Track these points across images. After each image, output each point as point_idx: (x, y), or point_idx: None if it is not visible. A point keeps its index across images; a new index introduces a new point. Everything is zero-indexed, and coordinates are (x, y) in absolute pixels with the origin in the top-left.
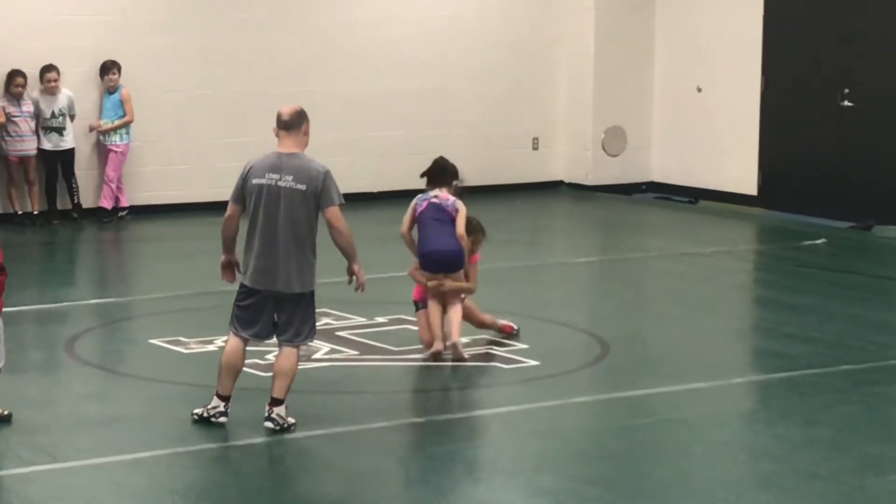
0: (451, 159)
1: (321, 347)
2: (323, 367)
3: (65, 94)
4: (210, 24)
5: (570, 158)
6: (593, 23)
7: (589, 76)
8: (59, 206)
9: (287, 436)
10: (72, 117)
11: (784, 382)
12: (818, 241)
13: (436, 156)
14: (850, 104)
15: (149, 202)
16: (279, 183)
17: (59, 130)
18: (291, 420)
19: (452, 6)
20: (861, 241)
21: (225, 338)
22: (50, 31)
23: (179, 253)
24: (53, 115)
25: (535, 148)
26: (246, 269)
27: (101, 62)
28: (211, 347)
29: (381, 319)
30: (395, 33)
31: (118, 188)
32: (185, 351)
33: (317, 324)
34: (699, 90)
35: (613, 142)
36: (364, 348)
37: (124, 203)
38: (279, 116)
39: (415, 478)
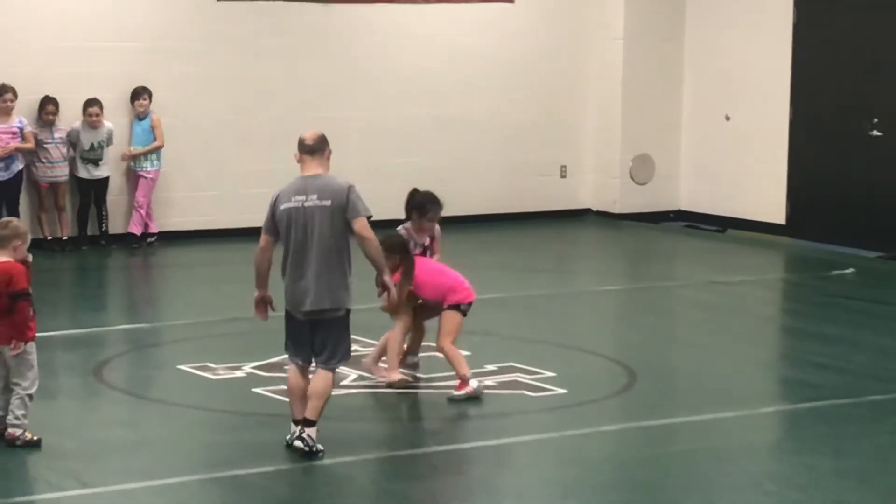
0: (479, 186)
1: (349, 374)
2: (351, 393)
3: (106, 127)
4: (239, 51)
5: (598, 186)
6: (622, 51)
7: (617, 104)
8: (89, 233)
9: (315, 462)
10: (109, 143)
11: (812, 412)
12: (847, 271)
13: (462, 183)
14: (878, 133)
15: (178, 228)
16: (305, 204)
17: (97, 162)
18: (320, 446)
19: (480, 33)
20: (890, 270)
21: (253, 364)
22: (80, 58)
23: (208, 279)
24: (93, 148)
25: (563, 176)
26: (285, 294)
27: (132, 88)
28: (238, 374)
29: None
30: (422, 61)
31: (147, 214)
32: (213, 377)
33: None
34: (728, 119)
35: (641, 170)
36: None
37: (153, 229)
38: (302, 142)
39: None
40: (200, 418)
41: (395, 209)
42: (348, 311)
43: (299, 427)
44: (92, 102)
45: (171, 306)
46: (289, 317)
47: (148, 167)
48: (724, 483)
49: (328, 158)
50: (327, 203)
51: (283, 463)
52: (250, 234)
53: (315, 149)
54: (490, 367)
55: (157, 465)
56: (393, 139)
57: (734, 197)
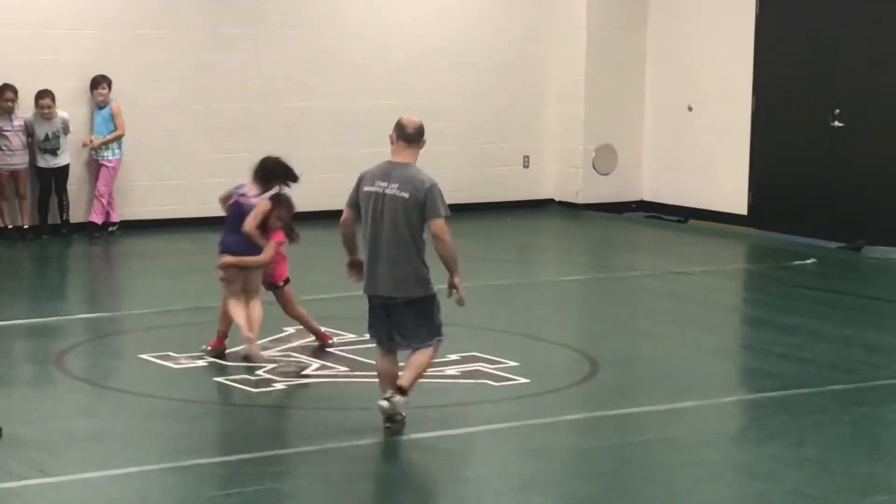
0: (443, 176)
1: (311, 363)
2: (312, 383)
3: (60, 117)
4: (201, 40)
5: (561, 176)
6: (585, 41)
7: (580, 95)
8: (50, 222)
9: (277, 451)
10: (66, 133)
11: (774, 402)
12: (808, 261)
13: (430, 172)
14: (840, 125)
15: (139, 217)
16: (386, 191)
17: (54, 151)
18: (403, 413)
19: (444, 24)
20: (851, 261)
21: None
22: (40, 46)
23: (169, 268)
24: (47, 138)
25: (526, 166)
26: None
27: (91, 77)
28: (200, 363)
29: None
30: (386, 50)
31: (109, 203)
32: (175, 366)
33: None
34: (690, 109)
35: (604, 160)
36: (354, 365)
37: (115, 218)
38: (402, 128)
39: (402, 495)
40: (162, 407)
41: None
42: (427, 297)
43: (390, 390)
44: (43, 94)
45: (133, 295)
46: (367, 298)
47: (109, 156)
48: (685, 472)
49: (420, 149)
50: (405, 195)
51: (245, 452)
52: (212, 223)
53: (412, 138)
54: (453, 357)
55: (119, 455)
56: (356, 129)
57: (696, 187)
